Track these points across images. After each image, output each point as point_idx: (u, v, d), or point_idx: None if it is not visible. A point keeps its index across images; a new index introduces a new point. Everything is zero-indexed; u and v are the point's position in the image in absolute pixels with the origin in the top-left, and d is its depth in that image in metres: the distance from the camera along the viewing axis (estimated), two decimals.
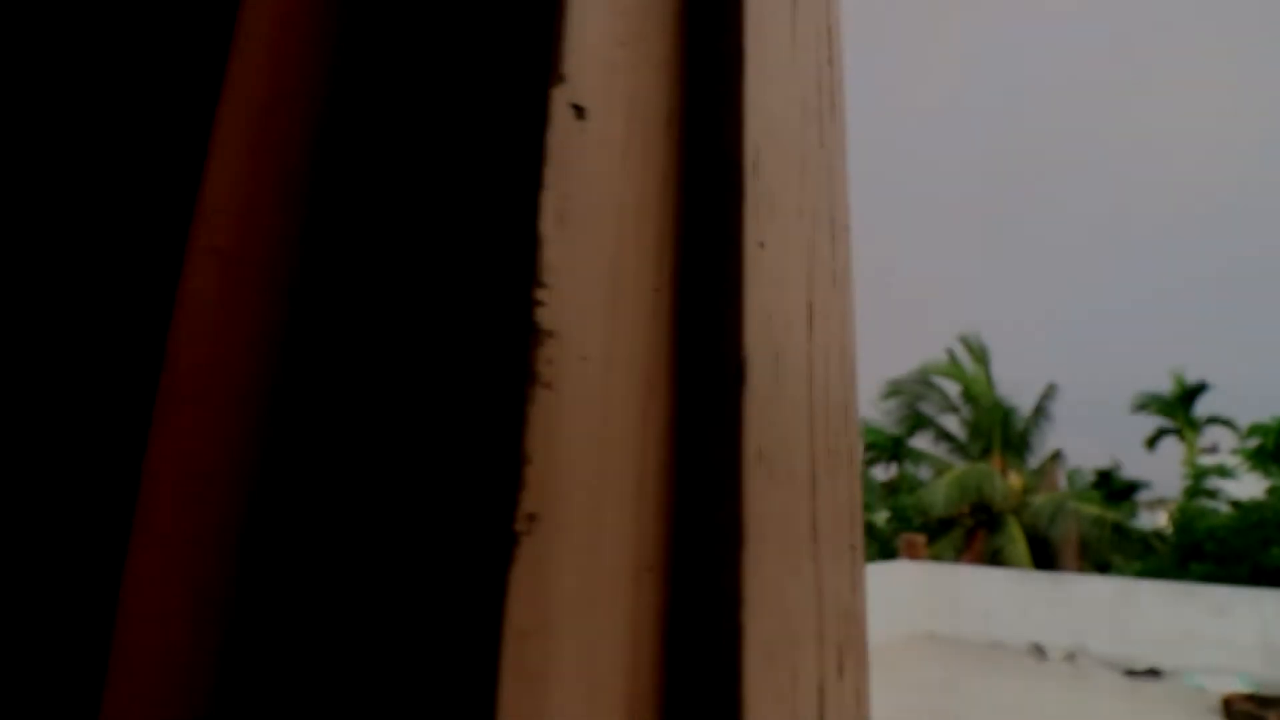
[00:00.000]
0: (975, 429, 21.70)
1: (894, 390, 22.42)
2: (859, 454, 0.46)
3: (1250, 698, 9.19)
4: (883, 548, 20.83)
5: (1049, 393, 21.81)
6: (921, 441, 22.95)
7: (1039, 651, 11.68)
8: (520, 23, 0.36)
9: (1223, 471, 21.44)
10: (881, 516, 24.05)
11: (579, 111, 0.34)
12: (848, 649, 0.41)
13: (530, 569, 0.28)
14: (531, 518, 0.29)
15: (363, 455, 0.33)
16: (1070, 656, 11.39)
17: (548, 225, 0.32)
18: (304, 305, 0.37)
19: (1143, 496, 27.24)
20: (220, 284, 0.34)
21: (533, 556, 0.28)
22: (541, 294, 0.31)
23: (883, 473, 25.11)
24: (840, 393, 0.45)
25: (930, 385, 22.48)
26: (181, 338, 0.33)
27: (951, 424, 22.42)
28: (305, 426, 0.35)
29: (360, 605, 0.30)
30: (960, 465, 21.37)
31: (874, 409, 23.03)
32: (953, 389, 22.38)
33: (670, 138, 0.41)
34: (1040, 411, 21.75)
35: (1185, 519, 18.76)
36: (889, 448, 22.75)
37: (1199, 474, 22.06)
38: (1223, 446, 32.68)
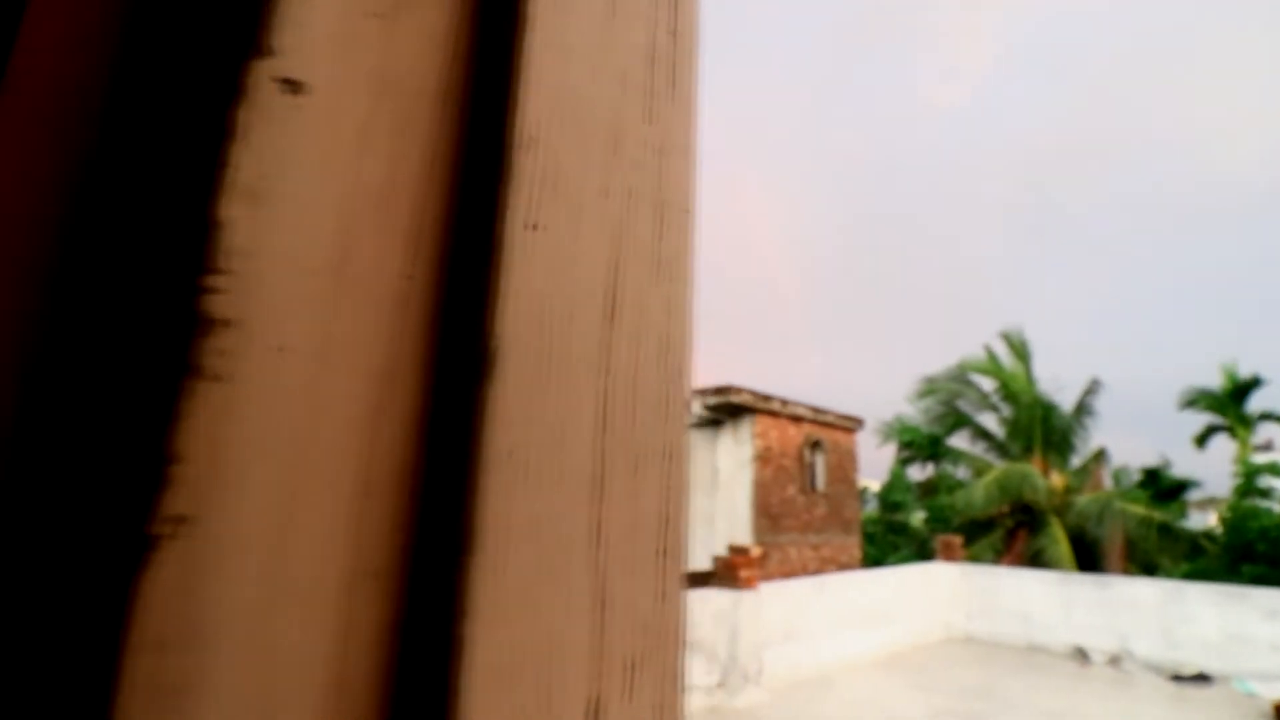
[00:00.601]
0: (1015, 427, 21.14)
1: (930, 389, 21.97)
2: (681, 451, 0.43)
3: None
4: (920, 548, 20.43)
5: (1092, 389, 21.16)
6: (959, 440, 22.45)
7: (1081, 655, 11.33)
8: None
9: (1276, 470, 20.55)
10: (918, 516, 23.60)
11: (292, 86, 0.32)
12: (644, 664, 0.38)
13: (174, 575, 0.26)
14: (180, 520, 0.26)
15: (6, 450, 0.31)
16: (1114, 660, 11.02)
17: (231, 207, 0.29)
18: None
19: (1192, 496, 26.24)
20: None
21: (178, 562, 0.26)
22: (217, 281, 0.28)
23: (919, 472, 24.63)
24: (655, 387, 0.42)
25: (968, 383, 21.98)
26: None
27: (990, 422, 21.90)
28: None
29: None
30: (1000, 464, 20.85)
31: (911, 407, 22.64)
32: (991, 386, 21.87)
33: (444, 115, 0.38)
34: (1083, 408, 21.10)
35: (1236, 519, 18.03)
36: (926, 447, 22.30)
37: (1251, 472, 21.19)
38: (1277, 444, 31.39)
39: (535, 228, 0.37)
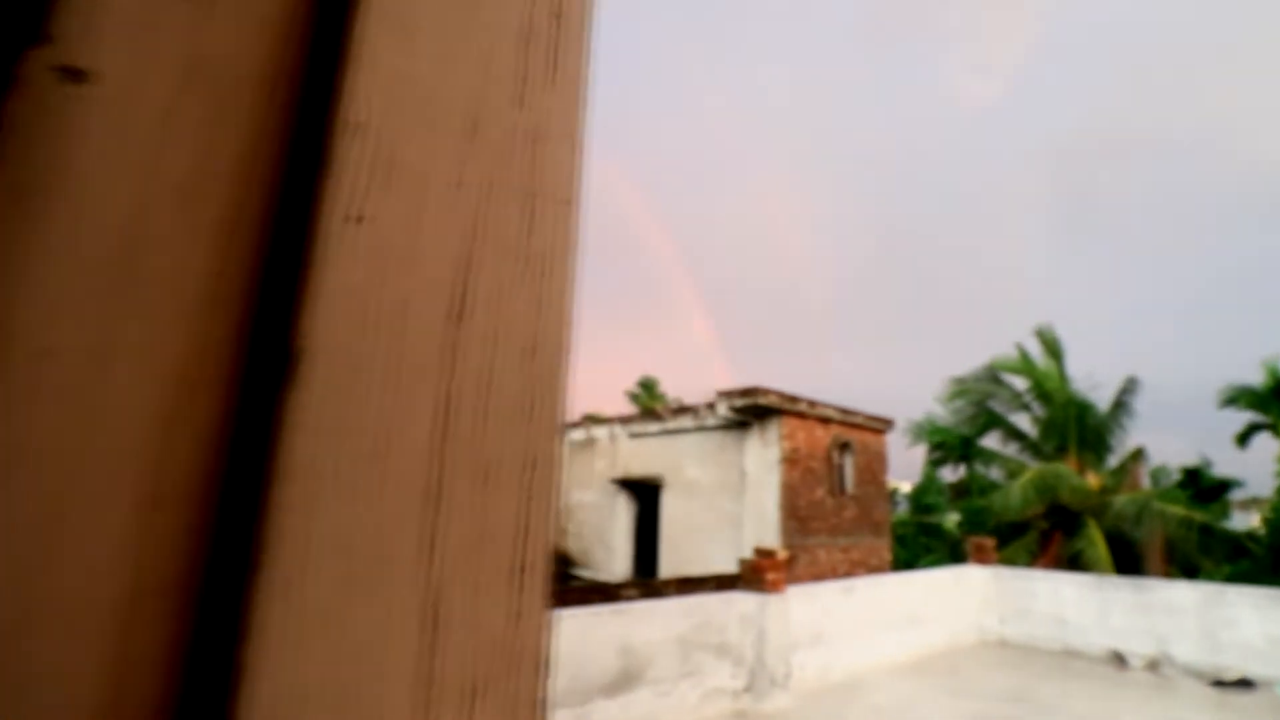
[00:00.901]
0: (1049, 427, 20.65)
1: (960, 389, 21.58)
2: (551, 460, 0.40)
3: None
4: (952, 551, 20.04)
5: (1129, 387, 20.60)
6: (991, 441, 22.01)
7: (1119, 659, 11.01)
8: None
9: None
10: (951, 519, 23.17)
11: (74, 75, 0.30)
12: (488, 690, 0.35)
13: None
14: None
15: None
16: (1153, 665, 10.68)
17: None
18: None
19: (1235, 496, 25.38)
20: None
21: None
22: None
23: (952, 473, 24.16)
24: (516, 392, 0.39)
25: (999, 382, 21.54)
26: None
27: (1023, 422, 21.43)
28: None
29: None
30: (1033, 465, 20.39)
31: (941, 408, 22.25)
32: (1024, 386, 21.40)
33: (270, 102, 0.36)
34: (1119, 407, 20.55)
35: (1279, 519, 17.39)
36: (957, 447, 21.88)
37: None
38: None
39: (360, 220, 0.35)
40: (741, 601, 8.77)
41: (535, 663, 0.37)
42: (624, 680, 7.46)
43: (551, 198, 0.43)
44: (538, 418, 0.40)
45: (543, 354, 0.40)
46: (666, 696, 7.80)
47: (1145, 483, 22.12)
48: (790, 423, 16.96)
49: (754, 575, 9.05)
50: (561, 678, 6.98)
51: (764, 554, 9.19)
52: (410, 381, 0.35)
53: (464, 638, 0.35)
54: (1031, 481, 18.51)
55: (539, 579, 0.38)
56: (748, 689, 8.55)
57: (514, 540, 0.37)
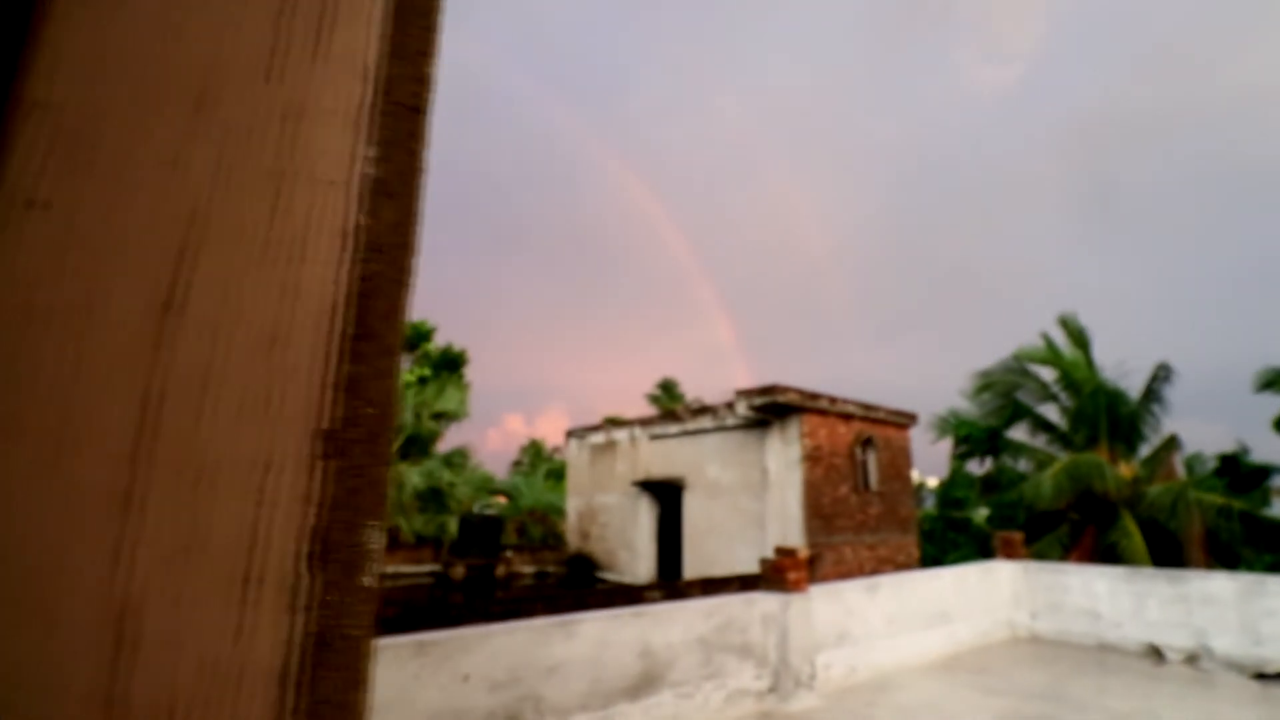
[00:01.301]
0: (1078, 417, 20.22)
1: (985, 381, 21.24)
2: (296, 461, 0.37)
3: None
4: (981, 546, 19.70)
5: (1160, 373, 20.11)
6: (1019, 433, 21.62)
7: (1155, 654, 10.71)
8: None
9: None
10: (980, 513, 22.78)
11: None
12: (197, 710, 0.32)
13: None
14: None
15: None
16: (1191, 659, 10.38)
17: None
18: None
19: (1276, 483, 24.63)
20: None
21: None
22: None
23: (979, 467, 23.75)
24: (248, 387, 0.36)
25: (1025, 373, 21.17)
26: None
27: (1050, 413, 21.02)
28: None
29: None
30: (1063, 456, 19.99)
31: (966, 400, 21.90)
32: (1050, 375, 21.00)
33: None
34: (1151, 394, 20.06)
35: None
36: (984, 440, 21.53)
37: None
38: None
39: (41, 205, 0.32)
40: (763, 601, 8.69)
41: (268, 681, 0.34)
42: (645, 683, 7.42)
43: (309, 178, 0.40)
44: (279, 414, 0.36)
45: (289, 345, 0.37)
46: (689, 699, 7.75)
47: (1180, 471, 21.55)
48: (811, 420, 16.82)
49: (775, 575, 8.95)
50: (582, 681, 6.97)
51: (784, 553, 9.09)
52: (104, 378, 0.32)
53: (163, 656, 0.32)
54: (1061, 472, 18.13)
55: (279, 591, 0.35)
56: (772, 690, 8.46)
57: (239, 548, 0.34)
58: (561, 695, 6.80)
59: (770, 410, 16.98)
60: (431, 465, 24.44)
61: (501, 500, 35.13)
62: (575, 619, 7.12)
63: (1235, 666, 9.96)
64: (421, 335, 29.47)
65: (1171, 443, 20.00)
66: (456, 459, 26.74)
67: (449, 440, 32.08)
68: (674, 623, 7.78)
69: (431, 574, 23.51)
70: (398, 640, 6.00)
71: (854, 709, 8.35)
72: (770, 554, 10.28)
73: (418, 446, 26.11)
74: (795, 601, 8.76)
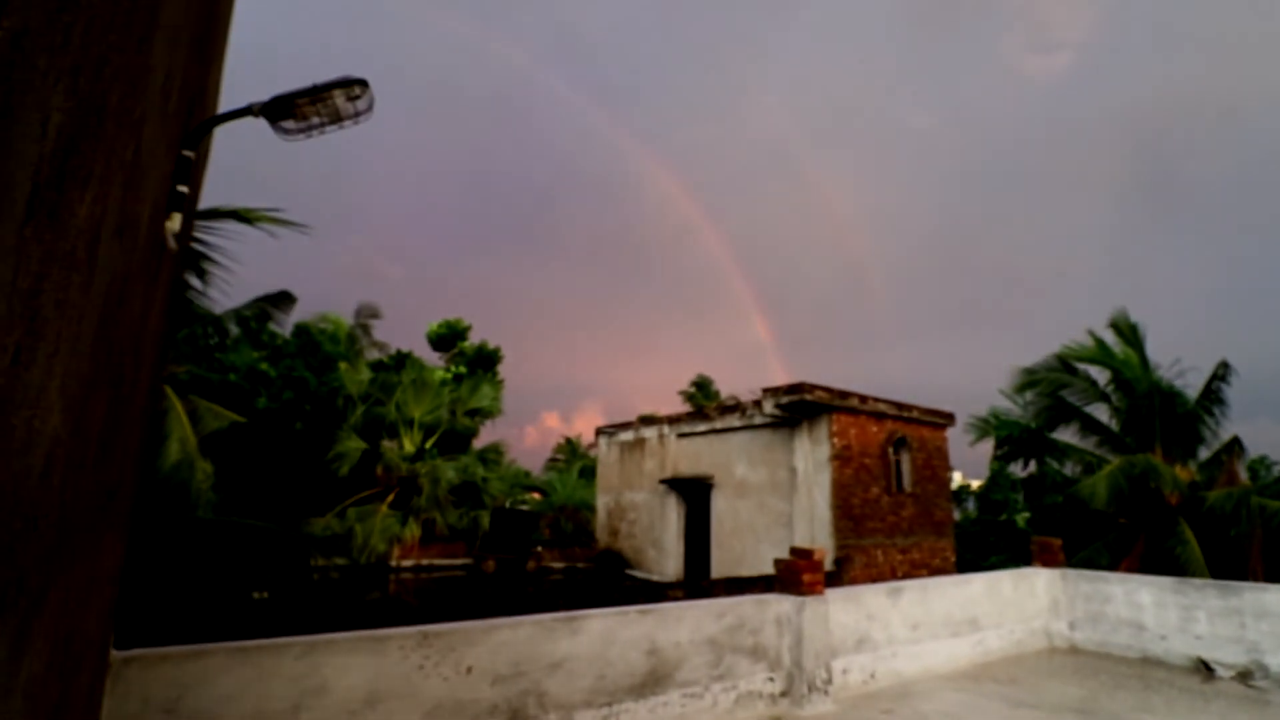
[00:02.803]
0: (1130, 418, 19.31)
1: (1029, 380, 20.43)
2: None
3: None
4: (1021, 550, 18.97)
5: (1220, 372, 19.08)
6: (1066, 434, 20.76)
7: (1204, 669, 10.10)
8: None
9: None
10: (1024, 516, 21.97)
11: None
12: None
13: None
14: None
15: None
16: (1243, 675, 9.74)
17: None
18: None
19: None
20: None
21: None
22: None
23: (1022, 470, 22.91)
24: None
25: (1072, 372, 20.32)
26: None
27: (1100, 414, 20.13)
28: None
29: None
30: (1113, 459, 19.14)
31: (1008, 400, 21.14)
32: (1099, 375, 20.11)
33: None
34: (1210, 394, 19.03)
35: None
36: (1026, 442, 20.75)
37: None
38: None
39: None
40: (776, 603, 8.45)
41: None
42: (652, 681, 7.29)
43: None
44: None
45: None
46: (698, 699, 7.59)
47: (1243, 476, 20.42)
48: (841, 419, 16.42)
49: (789, 576, 8.69)
50: (586, 677, 6.88)
51: (800, 554, 8.83)
52: None
53: None
54: (1110, 476, 17.31)
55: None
56: (785, 694, 8.22)
57: None
58: (566, 691, 6.71)
59: (798, 409, 16.63)
60: (466, 460, 24.70)
61: (535, 496, 35.38)
62: (581, 615, 7.03)
63: None
64: (457, 333, 29.78)
65: (1233, 445, 18.96)
66: (491, 455, 27.00)
67: (485, 437, 32.40)
68: (682, 622, 7.62)
69: (464, 567, 23.77)
70: (402, 631, 6.00)
71: (870, 716, 8.06)
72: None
73: (454, 442, 26.43)
74: (810, 604, 8.50)
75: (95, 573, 2.05)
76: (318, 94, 2.97)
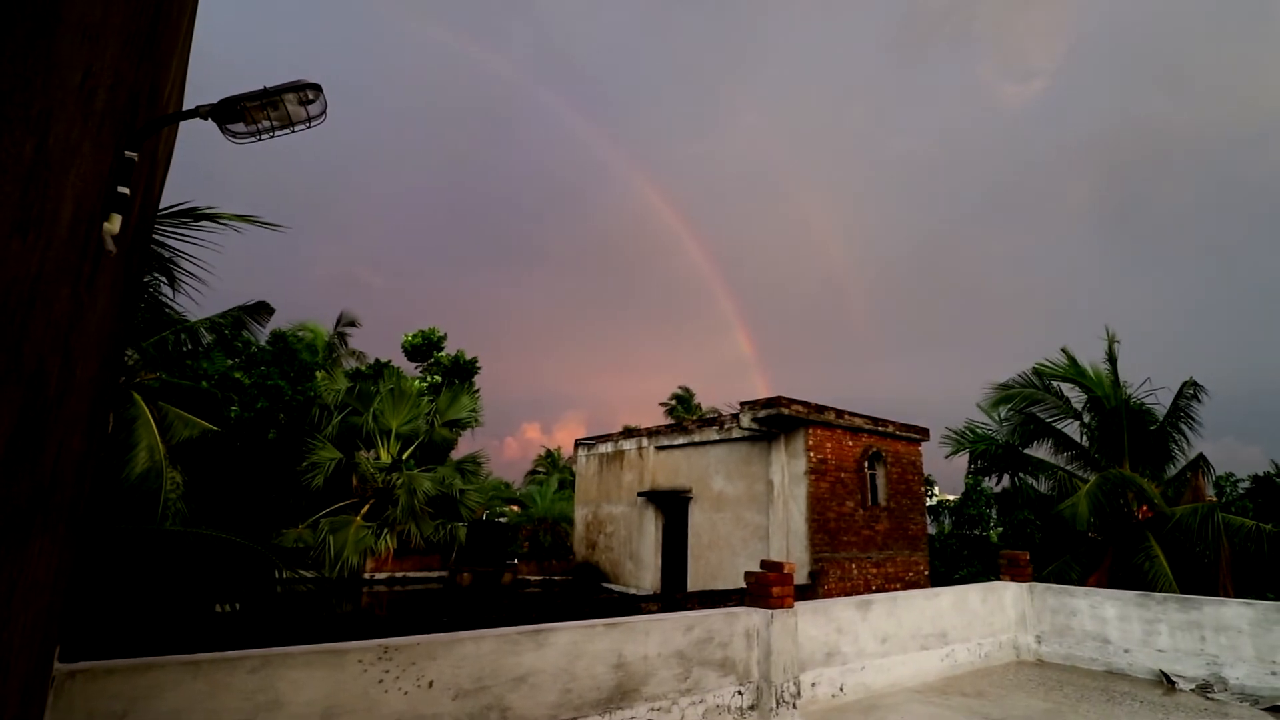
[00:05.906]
0: (1101, 434, 19.62)
1: (1003, 395, 20.69)
2: None
3: None
4: (993, 564, 19.10)
5: (1187, 391, 19.43)
6: (1040, 450, 21.00)
7: (1166, 682, 10.21)
8: None
9: None
10: (995, 531, 22.12)
11: None
12: None
13: None
14: None
15: None
16: (1203, 688, 9.86)
17: None
18: None
19: None
20: None
21: None
22: None
23: (996, 484, 23.10)
24: None
25: (1045, 388, 20.60)
26: None
27: (1072, 430, 20.40)
28: None
29: None
30: (1085, 475, 19.39)
31: (982, 415, 21.36)
32: (1073, 392, 20.40)
33: None
34: (1178, 412, 19.37)
35: None
36: (1000, 457, 20.95)
37: None
38: None
39: None
40: (746, 616, 8.44)
41: None
42: (619, 695, 7.23)
43: None
44: None
45: None
46: (665, 713, 7.54)
47: (1209, 492, 20.75)
48: (817, 433, 16.50)
49: (759, 589, 8.69)
50: (551, 691, 6.80)
51: (770, 567, 8.83)
52: None
53: None
54: (1097, 487, 17.49)
55: None
56: (753, 707, 8.20)
57: None
58: (530, 705, 6.63)
59: (774, 422, 16.69)
60: (444, 472, 24.48)
61: (514, 509, 35.10)
62: (547, 628, 6.96)
63: (1249, 697, 9.45)
64: (433, 343, 29.53)
65: (1199, 462, 19.28)
66: (469, 466, 26.77)
67: (464, 448, 32.14)
68: (650, 635, 7.58)
69: (439, 580, 23.51)
70: (362, 644, 5.89)
71: None
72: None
73: (432, 453, 26.20)
74: (779, 617, 8.50)
75: (20, 579, 2.02)
76: (268, 97, 2.96)
